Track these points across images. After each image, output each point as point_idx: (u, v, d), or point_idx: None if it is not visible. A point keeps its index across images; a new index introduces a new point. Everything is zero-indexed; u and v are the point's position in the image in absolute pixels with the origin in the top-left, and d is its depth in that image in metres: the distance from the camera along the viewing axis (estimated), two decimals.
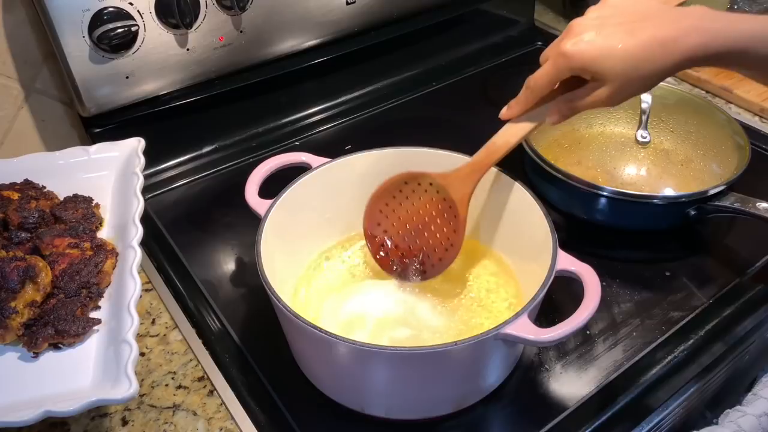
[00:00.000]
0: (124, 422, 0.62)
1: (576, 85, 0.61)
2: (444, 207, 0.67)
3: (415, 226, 0.69)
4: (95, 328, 0.60)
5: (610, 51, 0.56)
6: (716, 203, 0.75)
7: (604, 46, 0.57)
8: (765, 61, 0.58)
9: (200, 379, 0.66)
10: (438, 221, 0.68)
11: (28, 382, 0.56)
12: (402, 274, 0.70)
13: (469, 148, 0.71)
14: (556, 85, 0.62)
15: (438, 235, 0.68)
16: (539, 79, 0.61)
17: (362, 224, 0.71)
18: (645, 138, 0.88)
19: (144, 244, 0.65)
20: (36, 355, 0.58)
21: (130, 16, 0.78)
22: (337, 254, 0.75)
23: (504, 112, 0.65)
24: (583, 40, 0.57)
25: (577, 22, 0.59)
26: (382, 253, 0.71)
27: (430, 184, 0.67)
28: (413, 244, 0.69)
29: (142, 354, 0.68)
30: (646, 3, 0.59)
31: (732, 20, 0.57)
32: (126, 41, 0.79)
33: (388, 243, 0.71)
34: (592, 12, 0.60)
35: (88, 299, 0.61)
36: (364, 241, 0.75)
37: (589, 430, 0.61)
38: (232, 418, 0.62)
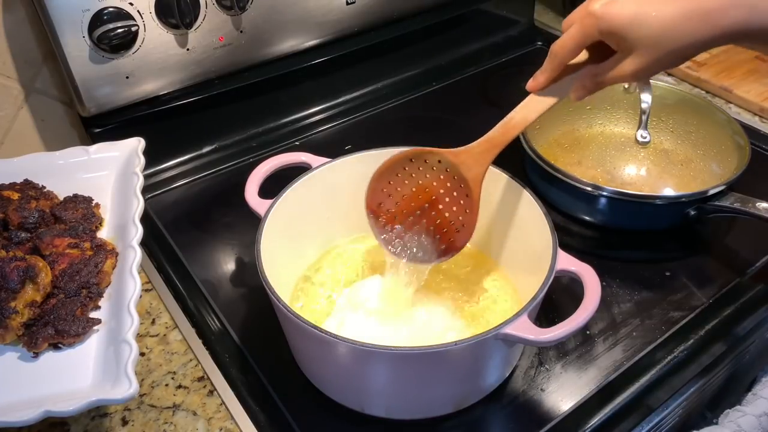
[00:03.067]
0: (124, 422, 0.62)
1: (602, 58, 0.57)
2: (454, 186, 0.64)
3: (422, 205, 0.66)
4: (95, 328, 0.60)
5: (645, 17, 0.52)
6: (716, 203, 0.75)
7: (639, 12, 0.52)
8: None
9: (200, 379, 0.66)
10: (447, 200, 0.65)
11: (28, 382, 0.56)
12: (408, 256, 0.66)
13: None
14: (583, 56, 0.58)
15: (447, 215, 0.65)
16: (565, 43, 0.57)
17: (364, 203, 0.68)
18: (645, 138, 0.88)
19: (144, 244, 0.65)
20: (36, 355, 0.58)
21: (130, 16, 0.78)
22: (337, 254, 0.75)
23: (530, 84, 0.61)
24: (616, 2, 0.53)
25: None
26: (385, 235, 0.67)
27: (439, 161, 0.64)
28: (420, 225, 0.66)
29: (142, 354, 0.68)
30: None
31: None
32: (126, 41, 0.79)
33: (393, 224, 0.67)
34: None
35: (88, 299, 0.61)
36: (364, 242, 0.75)
37: (589, 430, 0.61)
38: (232, 418, 0.62)
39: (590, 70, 0.58)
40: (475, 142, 0.63)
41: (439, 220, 0.65)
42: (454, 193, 0.64)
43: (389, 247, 0.67)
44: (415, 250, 0.66)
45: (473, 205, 0.63)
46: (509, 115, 0.62)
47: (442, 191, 0.65)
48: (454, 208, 0.65)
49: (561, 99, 0.61)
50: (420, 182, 0.66)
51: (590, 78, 0.58)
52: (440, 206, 0.65)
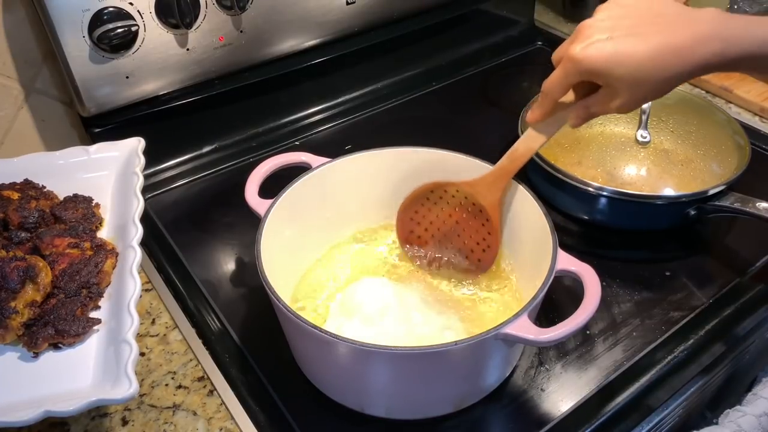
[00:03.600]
0: (124, 422, 0.62)
1: (592, 91, 0.60)
2: (474, 212, 0.69)
3: (449, 229, 0.71)
4: (95, 328, 0.60)
5: (621, 58, 0.54)
6: (716, 203, 0.75)
7: (615, 52, 0.54)
8: None
9: (200, 379, 0.66)
10: (470, 223, 0.70)
11: (28, 382, 0.56)
12: (443, 275, 0.72)
13: (469, 148, 0.71)
14: (571, 91, 0.61)
15: (473, 236, 0.70)
16: (551, 83, 0.60)
17: (396, 234, 0.74)
18: (645, 138, 0.88)
19: (144, 244, 0.65)
20: (36, 355, 0.58)
21: (130, 16, 0.78)
22: (337, 253, 0.75)
23: (528, 116, 0.65)
24: (593, 44, 0.55)
25: (587, 24, 0.57)
26: (418, 262, 0.73)
27: (457, 191, 0.69)
28: (450, 246, 0.72)
29: (142, 354, 0.68)
30: (657, 1, 0.57)
31: (746, 25, 0.55)
32: (126, 41, 0.79)
33: (425, 249, 0.73)
34: (601, 12, 0.58)
35: (88, 299, 0.61)
36: (364, 242, 0.75)
37: (589, 430, 0.61)
38: (232, 418, 0.62)
39: (582, 102, 0.61)
40: (487, 173, 0.67)
41: (466, 241, 0.71)
42: (475, 218, 0.69)
43: (427, 268, 0.73)
44: (450, 268, 0.72)
45: (494, 228, 0.68)
46: (514, 146, 0.66)
47: (464, 216, 0.70)
48: (478, 231, 0.70)
49: (560, 128, 0.64)
50: (443, 209, 0.71)
51: (583, 110, 0.61)
52: (464, 229, 0.71)
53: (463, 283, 0.70)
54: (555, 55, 0.60)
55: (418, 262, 0.73)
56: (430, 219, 0.72)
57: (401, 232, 0.74)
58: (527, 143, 0.65)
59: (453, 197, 0.70)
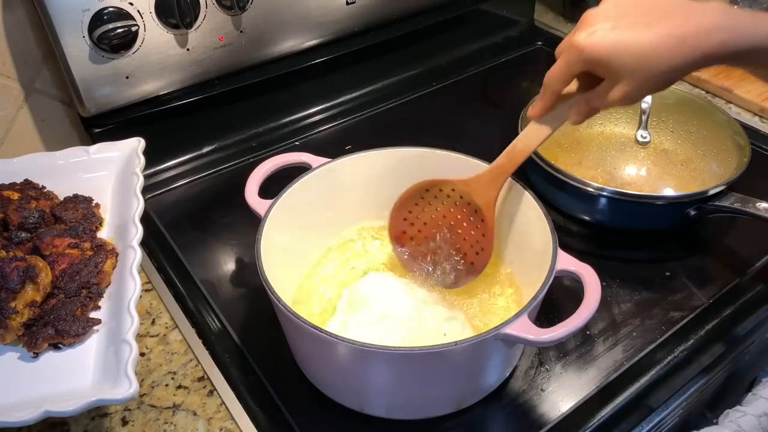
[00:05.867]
0: (124, 422, 0.62)
1: (593, 85, 0.59)
2: (469, 211, 0.67)
3: (442, 230, 0.70)
4: (95, 328, 0.59)
5: (625, 45, 0.54)
6: (716, 203, 0.75)
7: (619, 40, 0.54)
8: None
9: (200, 379, 0.66)
10: (465, 225, 0.68)
11: (28, 382, 0.56)
12: (435, 281, 0.70)
13: (469, 148, 0.71)
14: (573, 83, 0.60)
15: (466, 239, 0.68)
16: (554, 74, 0.59)
17: (387, 233, 0.72)
18: (645, 138, 0.88)
19: (144, 244, 0.65)
20: (36, 355, 0.58)
21: (130, 16, 0.78)
22: (338, 254, 0.75)
23: (529, 111, 0.63)
24: (596, 32, 0.54)
25: (592, 13, 0.56)
26: (411, 261, 0.71)
27: (453, 190, 0.68)
28: (442, 248, 0.70)
29: (142, 354, 0.68)
30: None
31: (753, 18, 0.55)
32: (126, 41, 0.79)
33: (417, 250, 0.71)
34: (606, 2, 0.57)
35: (88, 299, 0.61)
36: (364, 242, 0.75)
37: (589, 430, 0.61)
38: (232, 418, 0.62)
39: (583, 96, 0.60)
40: (484, 171, 0.66)
41: (459, 244, 0.69)
42: (470, 218, 0.67)
43: (415, 271, 0.71)
44: (439, 273, 0.70)
45: (488, 229, 0.66)
46: (512, 143, 0.64)
47: (459, 217, 0.68)
48: (472, 232, 0.68)
49: (560, 125, 0.62)
50: (437, 209, 0.69)
51: (584, 104, 0.60)
52: (459, 231, 0.69)
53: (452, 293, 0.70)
54: (559, 48, 0.59)
55: (409, 266, 0.71)
56: (424, 220, 0.70)
57: (393, 232, 0.72)
58: (526, 141, 0.64)
59: (448, 197, 0.68)
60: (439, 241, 0.70)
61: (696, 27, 0.54)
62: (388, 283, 0.67)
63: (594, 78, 0.58)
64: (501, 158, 0.65)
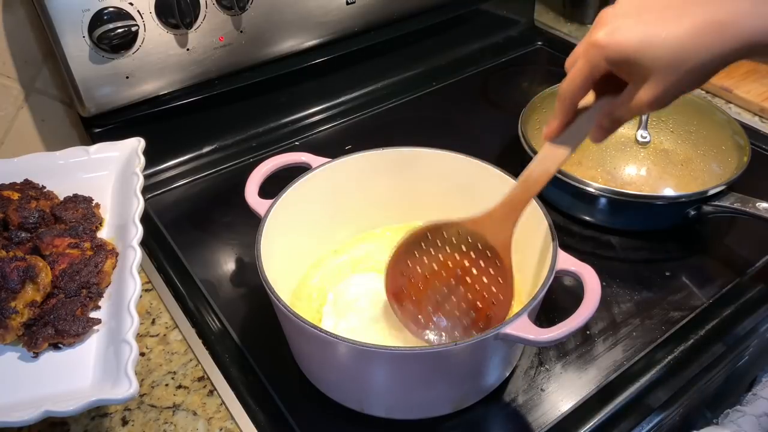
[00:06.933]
0: (124, 422, 0.62)
1: (616, 92, 0.51)
2: (480, 255, 0.59)
3: (448, 282, 0.61)
4: (95, 328, 0.59)
5: (654, 39, 0.46)
6: (716, 203, 0.75)
7: (647, 34, 0.46)
8: None
9: (200, 379, 0.66)
10: (475, 272, 0.59)
11: (28, 382, 0.56)
12: (441, 339, 0.61)
13: (469, 148, 0.71)
14: (590, 95, 0.53)
15: (478, 287, 0.60)
16: (572, 81, 0.51)
17: (384, 287, 0.62)
18: (645, 138, 0.88)
19: (144, 244, 0.65)
20: (36, 355, 0.58)
21: (130, 16, 0.78)
22: (338, 254, 0.75)
23: (545, 132, 0.55)
24: (619, 29, 0.47)
25: (609, 11, 0.49)
26: (412, 322, 0.61)
27: (458, 232, 0.59)
28: (450, 304, 0.61)
29: (142, 354, 0.68)
30: None
31: None
32: (126, 41, 0.79)
33: (420, 308, 0.61)
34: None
35: (88, 299, 0.61)
36: (364, 242, 0.75)
37: (589, 430, 0.61)
38: (232, 418, 0.62)
39: (604, 108, 0.52)
40: (496, 205, 0.58)
41: (470, 295, 0.60)
42: (481, 263, 0.59)
43: (421, 334, 0.61)
44: (446, 335, 0.61)
45: (506, 273, 0.58)
46: (528, 170, 0.56)
47: (467, 263, 0.60)
48: (485, 279, 0.59)
49: (579, 143, 0.54)
50: (441, 257, 0.60)
51: (606, 117, 0.52)
52: (468, 279, 0.60)
53: None
54: (569, 59, 0.52)
55: (411, 329, 0.61)
56: (426, 272, 0.61)
57: (390, 288, 0.62)
58: (544, 165, 0.55)
59: (453, 242, 0.59)
60: (447, 293, 0.61)
61: (734, 12, 0.46)
62: (373, 285, 0.65)
63: (612, 87, 0.51)
64: (515, 189, 0.57)
